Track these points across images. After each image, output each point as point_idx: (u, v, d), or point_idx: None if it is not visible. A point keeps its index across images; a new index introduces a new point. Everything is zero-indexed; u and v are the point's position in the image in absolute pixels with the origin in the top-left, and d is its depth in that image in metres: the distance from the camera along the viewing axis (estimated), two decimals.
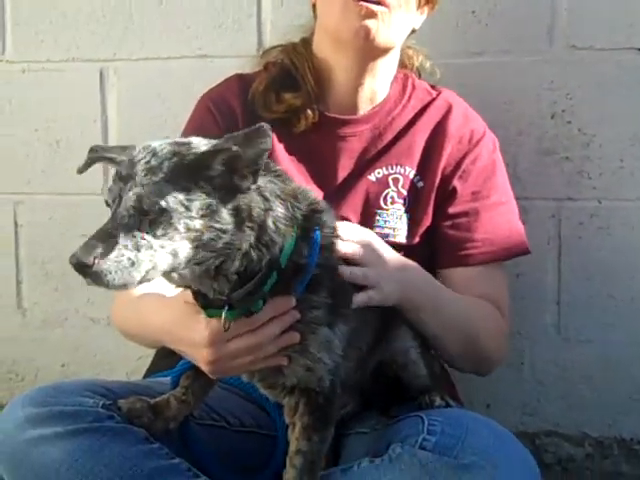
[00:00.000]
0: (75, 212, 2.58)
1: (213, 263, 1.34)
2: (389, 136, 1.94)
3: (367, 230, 1.70)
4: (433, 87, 2.02)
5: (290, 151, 1.92)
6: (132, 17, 2.49)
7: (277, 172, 1.44)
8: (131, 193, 1.27)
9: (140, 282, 1.29)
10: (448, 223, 1.90)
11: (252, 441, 1.79)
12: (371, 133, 1.93)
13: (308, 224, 1.45)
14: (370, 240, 1.65)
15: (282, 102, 1.90)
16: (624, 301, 2.28)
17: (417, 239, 1.90)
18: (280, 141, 1.91)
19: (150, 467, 1.50)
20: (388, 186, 1.91)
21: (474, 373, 1.95)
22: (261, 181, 1.37)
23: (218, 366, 1.49)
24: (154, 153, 1.31)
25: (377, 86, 1.92)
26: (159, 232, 1.28)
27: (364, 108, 1.93)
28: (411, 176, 1.91)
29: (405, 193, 1.91)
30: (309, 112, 1.90)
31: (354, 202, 1.90)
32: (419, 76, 2.06)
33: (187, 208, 1.28)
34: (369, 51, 1.84)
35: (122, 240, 1.26)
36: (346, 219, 1.87)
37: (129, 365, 2.54)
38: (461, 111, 1.97)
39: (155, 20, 2.48)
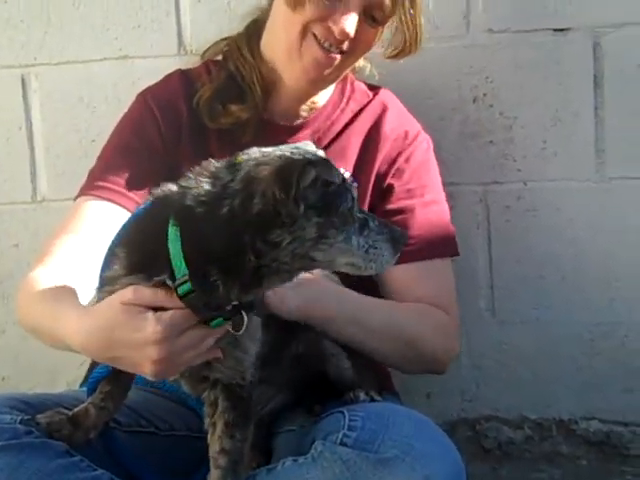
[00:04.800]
0: (7, 222, 2.54)
1: None
2: (327, 140, 1.95)
3: None
4: (371, 87, 2.03)
5: None
6: (50, 21, 2.44)
7: None
8: None
9: None
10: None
11: (183, 445, 1.77)
12: (311, 138, 1.92)
13: None
14: None
15: (229, 114, 1.88)
16: (554, 281, 2.29)
17: None
18: (224, 152, 1.88)
19: None
20: None
21: (429, 373, 1.98)
22: None
23: (165, 365, 1.42)
24: None
25: (319, 96, 1.94)
26: None
27: (305, 114, 1.94)
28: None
29: None
30: (256, 123, 1.89)
31: None
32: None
33: None
34: (313, 87, 1.88)
35: None
36: None
37: (71, 374, 2.49)
38: (396, 112, 1.99)
39: (73, 23, 2.43)
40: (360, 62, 2.03)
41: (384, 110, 1.96)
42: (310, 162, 1.32)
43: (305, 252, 1.34)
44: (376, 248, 1.39)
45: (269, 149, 1.41)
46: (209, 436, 1.50)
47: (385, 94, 2.01)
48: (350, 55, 1.82)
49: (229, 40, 1.98)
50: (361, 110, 1.97)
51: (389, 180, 1.92)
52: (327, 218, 1.33)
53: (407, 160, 1.94)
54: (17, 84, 2.49)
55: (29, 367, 2.61)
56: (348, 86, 1.99)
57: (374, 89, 2.02)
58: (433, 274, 1.91)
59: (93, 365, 2.03)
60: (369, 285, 1.91)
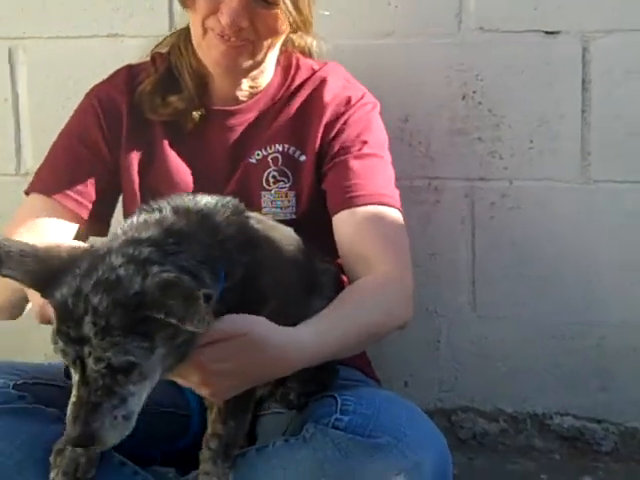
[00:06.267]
0: None
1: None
2: (271, 118, 1.94)
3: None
4: (319, 63, 2.00)
5: (182, 151, 1.93)
6: None
7: (179, 247, 1.35)
8: (93, 358, 1.24)
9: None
10: (325, 181, 1.88)
11: (168, 419, 1.77)
12: (256, 120, 1.93)
13: (218, 264, 1.39)
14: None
15: (168, 105, 1.90)
16: (535, 279, 2.33)
17: (305, 211, 1.90)
18: (172, 143, 1.92)
19: None
20: (268, 166, 1.90)
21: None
22: None
23: None
24: (95, 311, 1.24)
25: (257, 80, 1.93)
26: (135, 377, 1.26)
27: (245, 98, 1.94)
28: (290, 152, 1.91)
29: (287, 170, 1.91)
30: (194, 113, 1.91)
31: (238, 187, 1.89)
32: (309, 54, 2.02)
33: (152, 349, 1.26)
34: (234, 74, 1.88)
35: (108, 403, 1.24)
36: None
37: (48, 347, 2.47)
38: (338, 81, 1.95)
39: None
40: (307, 40, 1.99)
41: (323, 80, 1.93)
42: None
43: None
44: None
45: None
46: (207, 415, 1.52)
47: (330, 66, 1.98)
48: (258, 41, 1.81)
49: (177, 33, 2.00)
50: (302, 84, 1.95)
51: (329, 144, 1.89)
52: None
53: (346, 122, 1.89)
54: (4, 56, 2.47)
55: (4, 339, 2.59)
56: (294, 64, 1.98)
57: (321, 64, 1.99)
58: (375, 223, 1.81)
59: None
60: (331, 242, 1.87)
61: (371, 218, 1.80)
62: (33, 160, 2.48)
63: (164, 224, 1.38)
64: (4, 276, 1.32)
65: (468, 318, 2.38)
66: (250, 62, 1.85)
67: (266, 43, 1.83)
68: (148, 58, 1.99)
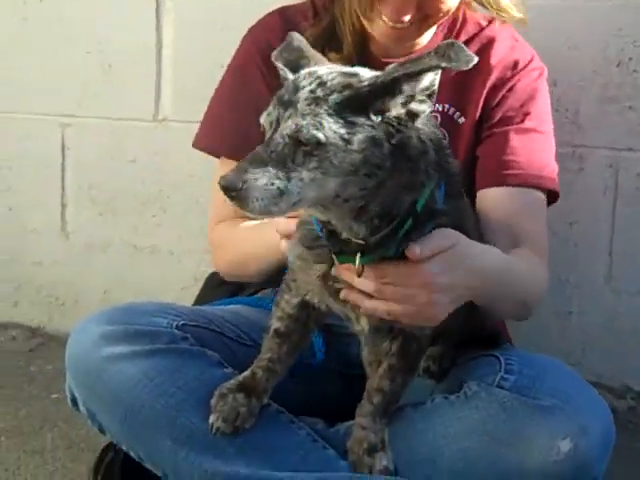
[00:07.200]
0: (125, 138, 2.56)
1: (359, 202, 1.29)
2: None
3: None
4: (486, 19, 1.93)
5: None
6: None
7: (428, 116, 1.36)
8: (290, 122, 1.23)
9: (285, 212, 1.25)
10: (481, 147, 1.84)
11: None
12: None
13: (442, 171, 1.38)
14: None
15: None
16: None
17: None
18: None
19: None
20: None
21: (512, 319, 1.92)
22: (418, 123, 1.31)
23: None
24: (321, 83, 1.25)
25: (422, 37, 1.86)
26: (312, 165, 1.22)
27: (408, 52, 1.84)
28: (450, 113, 1.86)
29: (444, 131, 1.82)
30: (358, 59, 1.82)
31: None
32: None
33: (347, 142, 1.22)
34: (400, 45, 1.82)
35: (274, 168, 1.22)
36: None
37: (172, 294, 2.51)
38: (506, 42, 1.89)
39: None
40: None
41: (491, 40, 1.88)
42: None
43: None
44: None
45: None
46: (370, 370, 1.51)
47: (497, 26, 1.91)
48: (424, 21, 1.75)
49: None
50: (468, 41, 1.88)
51: (492, 110, 1.84)
52: None
53: (511, 89, 1.85)
54: (151, 2, 2.49)
55: (131, 284, 2.65)
56: (460, 17, 1.91)
57: (488, 18, 1.92)
58: (527, 205, 1.78)
59: (207, 287, 2.05)
60: None
61: (525, 201, 1.77)
62: (171, 107, 2.51)
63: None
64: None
65: (602, 290, 2.32)
66: (416, 37, 1.81)
67: (430, 22, 1.77)
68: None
